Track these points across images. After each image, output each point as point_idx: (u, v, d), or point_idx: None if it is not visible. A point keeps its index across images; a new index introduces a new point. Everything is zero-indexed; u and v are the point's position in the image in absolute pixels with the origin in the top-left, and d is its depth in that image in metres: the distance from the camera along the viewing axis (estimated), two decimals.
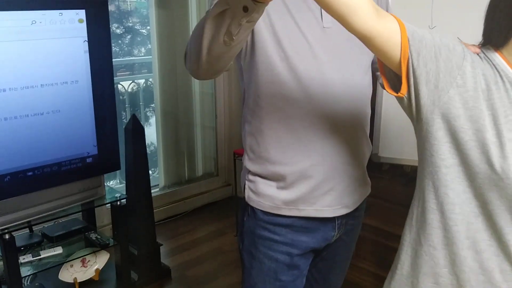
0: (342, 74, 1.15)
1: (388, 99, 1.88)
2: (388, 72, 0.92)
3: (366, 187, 1.33)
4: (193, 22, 3.33)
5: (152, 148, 3.68)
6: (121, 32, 3.58)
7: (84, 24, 1.97)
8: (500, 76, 0.86)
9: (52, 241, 2.22)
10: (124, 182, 2.78)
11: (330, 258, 1.36)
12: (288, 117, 1.15)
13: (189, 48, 1.04)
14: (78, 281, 2.23)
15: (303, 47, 1.12)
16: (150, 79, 3.52)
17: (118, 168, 2.28)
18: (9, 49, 1.80)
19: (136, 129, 2.49)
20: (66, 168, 2.05)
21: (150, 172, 2.84)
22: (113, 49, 3.38)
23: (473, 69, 0.84)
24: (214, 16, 0.90)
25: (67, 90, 1.98)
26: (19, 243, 2.08)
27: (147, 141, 2.81)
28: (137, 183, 2.56)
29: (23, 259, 2.07)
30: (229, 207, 3.48)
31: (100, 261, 2.33)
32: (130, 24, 3.62)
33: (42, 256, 2.11)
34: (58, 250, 2.17)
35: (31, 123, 1.91)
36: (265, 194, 1.21)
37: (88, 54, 2.00)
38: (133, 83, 3.55)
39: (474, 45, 0.92)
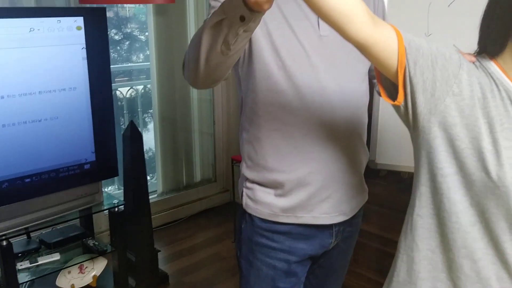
0: (339, 82, 1.15)
1: (385, 106, 1.89)
2: (384, 80, 0.92)
3: (364, 194, 1.33)
4: (191, 28, 3.34)
5: (150, 154, 3.68)
6: (120, 38, 3.59)
7: (82, 31, 1.97)
8: (496, 84, 0.86)
9: (50, 247, 2.21)
10: (122, 188, 2.78)
11: (328, 265, 1.36)
12: (286, 125, 1.16)
13: (187, 57, 1.05)
14: (76, 287, 2.23)
15: (300, 55, 1.12)
16: (148, 85, 3.52)
17: (116, 174, 2.28)
18: (7, 56, 1.81)
19: (134, 135, 2.49)
20: (64, 174, 2.05)
21: (148, 178, 2.84)
22: (112, 55, 3.39)
23: (469, 77, 0.85)
24: (212, 26, 0.91)
25: (65, 96, 1.98)
26: (16, 249, 2.07)
27: (145, 147, 2.81)
28: (135, 189, 2.56)
29: (20, 265, 2.06)
30: (227, 213, 3.47)
31: (97, 267, 2.33)
32: (129, 30, 3.63)
33: (39, 263, 2.10)
34: (56, 256, 2.16)
35: (29, 130, 1.91)
36: (263, 202, 1.21)
37: (86, 61, 2.01)
38: (131, 89, 3.55)
39: (469, 53, 0.93)
